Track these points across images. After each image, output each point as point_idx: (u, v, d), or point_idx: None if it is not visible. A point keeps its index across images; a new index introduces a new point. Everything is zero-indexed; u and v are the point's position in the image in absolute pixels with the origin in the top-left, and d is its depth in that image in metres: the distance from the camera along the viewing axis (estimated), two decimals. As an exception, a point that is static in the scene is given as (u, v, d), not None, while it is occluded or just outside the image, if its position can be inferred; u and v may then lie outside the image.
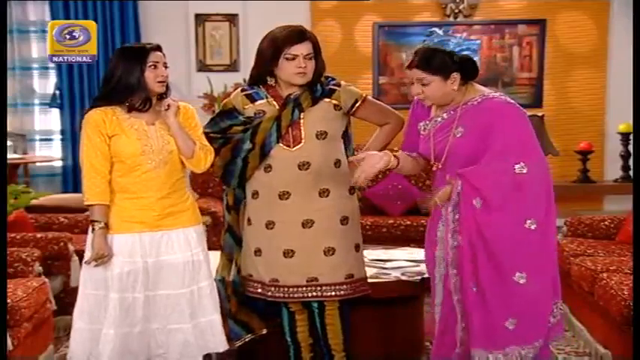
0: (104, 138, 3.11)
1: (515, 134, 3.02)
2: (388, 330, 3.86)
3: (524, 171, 2.98)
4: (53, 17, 7.58)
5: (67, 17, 7.49)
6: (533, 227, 2.98)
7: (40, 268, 4.27)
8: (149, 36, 7.68)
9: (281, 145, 3.34)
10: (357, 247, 3.46)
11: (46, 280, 4.14)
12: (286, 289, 3.36)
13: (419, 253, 4.31)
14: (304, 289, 3.35)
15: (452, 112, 3.14)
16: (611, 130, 7.60)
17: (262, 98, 3.40)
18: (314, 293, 3.35)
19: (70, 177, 7.88)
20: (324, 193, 3.35)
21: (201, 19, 7.74)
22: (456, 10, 7.56)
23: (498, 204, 2.97)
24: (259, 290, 3.43)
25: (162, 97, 3.20)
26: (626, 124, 7.27)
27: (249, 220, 3.45)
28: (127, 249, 3.14)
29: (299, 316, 3.47)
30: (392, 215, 6.15)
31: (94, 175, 3.11)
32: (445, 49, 3.12)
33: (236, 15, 7.75)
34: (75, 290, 4.62)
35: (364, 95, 3.42)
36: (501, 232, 2.98)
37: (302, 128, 3.34)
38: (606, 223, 5.06)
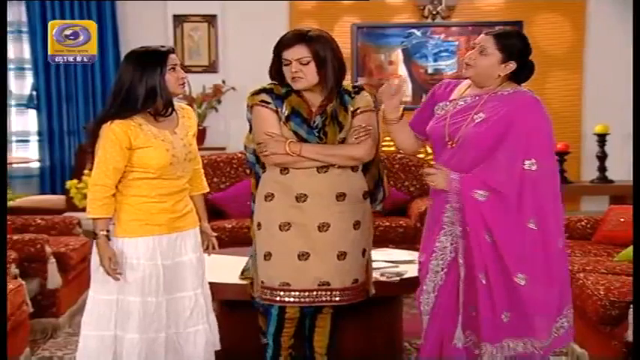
0: (123, 152, 3.03)
1: (532, 130, 2.98)
2: (367, 330, 3.86)
3: (534, 168, 2.94)
4: (30, 18, 7.58)
5: (44, 18, 7.47)
6: (536, 228, 2.94)
7: (17, 270, 4.23)
8: (127, 37, 7.65)
9: None
10: (364, 252, 3.35)
11: (23, 282, 4.11)
12: (297, 292, 3.25)
13: (398, 254, 4.34)
14: (315, 293, 3.26)
15: (477, 97, 3.10)
16: (588, 131, 7.67)
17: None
18: (325, 298, 3.27)
19: (47, 178, 7.84)
20: (340, 196, 3.25)
21: (179, 19, 7.73)
22: (434, 12, 7.57)
23: (504, 198, 2.93)
24: (267, 296, 3.30)
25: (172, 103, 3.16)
26: (602, 125, 7.33)
27: (259, 224, 3.31)
28: (149, 252, 3.11)
29: (290, 319, 3.39)
30: (371, 216, 6.14)
31: (99, 188, 3.05)
32: (528, 41, 3.14)
33: (215, 16, 7.75)
34: (52, 292, 4.64)
35: (371, 108, 3.33)
36: (505, 229, 2.94)
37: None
38: (583, 223, 5.09)
